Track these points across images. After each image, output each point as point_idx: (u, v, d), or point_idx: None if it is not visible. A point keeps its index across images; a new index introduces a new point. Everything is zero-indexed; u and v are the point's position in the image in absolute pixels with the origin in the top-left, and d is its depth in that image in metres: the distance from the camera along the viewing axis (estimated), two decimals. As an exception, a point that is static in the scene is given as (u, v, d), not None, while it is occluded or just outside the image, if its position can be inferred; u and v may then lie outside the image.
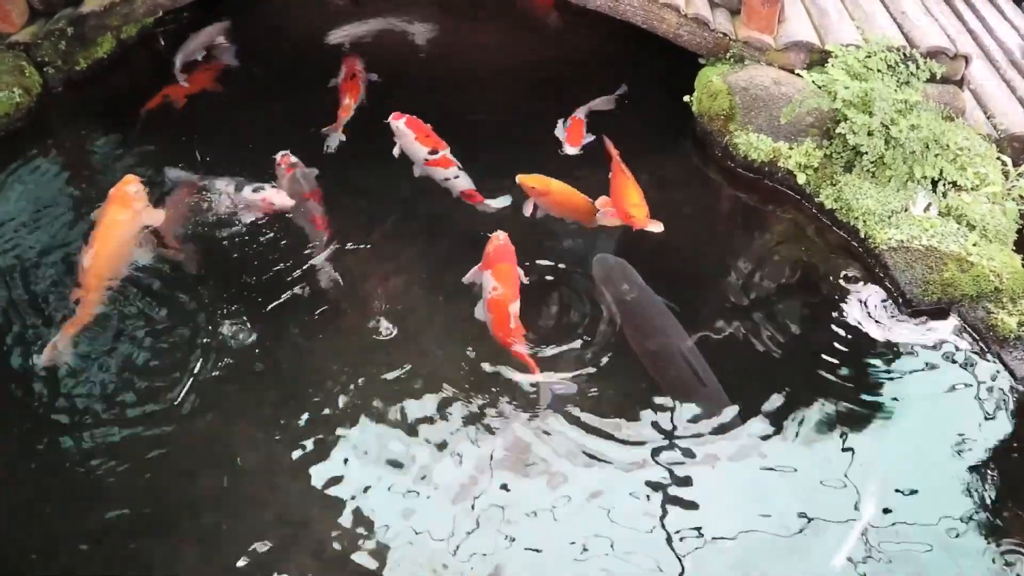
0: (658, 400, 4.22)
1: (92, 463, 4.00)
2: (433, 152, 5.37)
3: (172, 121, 6.20)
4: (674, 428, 4.11)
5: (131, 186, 5.06)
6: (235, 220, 5.22)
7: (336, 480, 3.93)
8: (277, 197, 5.20)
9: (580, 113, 6.02)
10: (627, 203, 4.95)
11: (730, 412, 4.14)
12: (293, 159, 5.53)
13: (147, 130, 6.15)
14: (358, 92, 6.27)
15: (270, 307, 4.73)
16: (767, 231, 5.35)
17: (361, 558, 3.66)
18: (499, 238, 4.73)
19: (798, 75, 5.71)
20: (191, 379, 4.37)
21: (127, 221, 4.91)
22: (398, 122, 5.47)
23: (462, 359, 4.45)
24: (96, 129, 6.30)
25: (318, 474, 3.95)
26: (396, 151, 5.52)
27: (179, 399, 4.28)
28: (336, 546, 3.70)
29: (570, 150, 5.74)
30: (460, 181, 5.35)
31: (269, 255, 5.05)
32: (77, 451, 4.06)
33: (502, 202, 5.27)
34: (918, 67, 5.49)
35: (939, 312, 4.71)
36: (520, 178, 5.14)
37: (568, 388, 4.25)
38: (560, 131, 5.88)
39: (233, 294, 4.82)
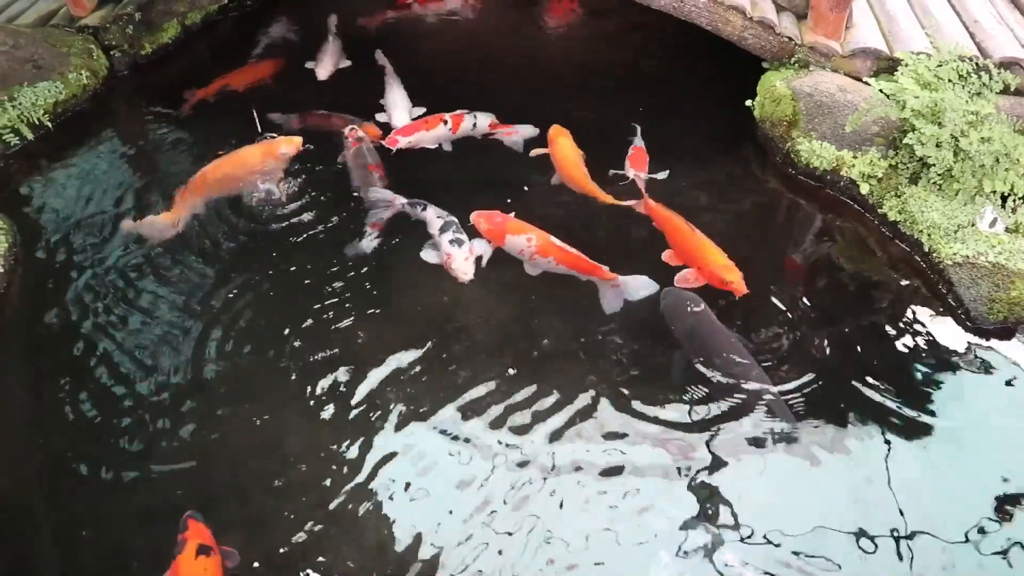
0: (716, 408, 4.15)
1: (142, 445, 4.06)
2: (444, 123, 5.68)
3: (231, 106, 6.29)
4: (731, 439, 4.04)
5: (287, 147, 5.34)
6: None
7: (382, 470, 3.93)
8: (458, 264, 4.75)
9: (637, 141, 5.73)
10: (716, 266, 4.63)
11: (792, 427, 4.06)
12: (360, 133, 5.67)
13: (205, 114, 6.26)
14: None
15: (322, 292, 4.76)
16: (827, 241, 5.23)
17: (402, 549, 3.65)
18: (480, 215, 4.94)
19: (865, 83, 5.58)
20: (241, 365, 4.42)
21: (255, 162, 5.34)
22: (391, 144, 5.60)
23: (513, 352, 4.42)
24: (158, 112, 6.43)
25: (364, 463, 3.96)
26: (433, 144, 5.72)
27: (228, 385, 4.33)
28: (378, 536, 3.70)
29: (639, 176, 5.43)
30: (482, 120, 5.79)
31: (323, 238, 5.11)
32: (129, 433, 4.12)
33: (528, 131, 5.80)
34: (991, 78, 5.32)
35: (1004, 332, 4.55)
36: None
37: (650, 287, 4.60)
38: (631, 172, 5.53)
39: (285, 279, 4.87)
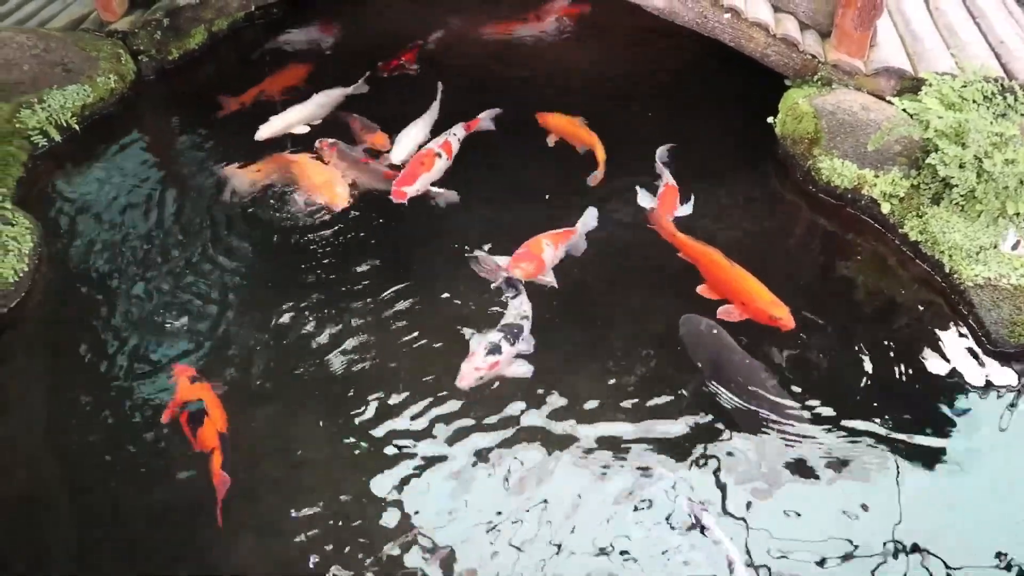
0: (736, 431, 4.13)
1: (159, 445, 4.10)
2: (439, 156, 5.72)
3: (255, 113, 6.36)
4: (750, 459, 4.03)
5: (330, 200, 5.42)
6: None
7: (394, 477, 3.94)
8: (467, 368, 4.29)
9: (668, 178, 5.49)
10: (764, 303, 4.55)
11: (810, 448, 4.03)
12: (330, 140, 5.83)
13: (228, 118, 6.34)
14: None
15: (347, 301, 4.79)
16: (846, 260, 5.19)
17: (412, 558, 3.65)
18: (516, 268, 4.76)
19: (888, 102, 5.56)
20: (259, 369, 4.45)
21: (311, 184, 5.56)
22: (400, 198, 5.48)
23: (533, 364, 4.41)
24: (182, 118, 6.52)
25: (376, 470, 3.97)
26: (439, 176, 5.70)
27: (245, 388, 4.36)
28: (388, 543, 3.70)
29: (667, 217, 5.23)
30: (459, 131, 6.01)
31: (349, 247, 5.16)
32: (146, 431, 4.16)
33: (493, 112, 6.23)
34: (1016, 99, 5.29)
35: (1026, 356, 4.52)
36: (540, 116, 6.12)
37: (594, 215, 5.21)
38: (647, 199, 5.40)
39: (310, 286, 4.91)
